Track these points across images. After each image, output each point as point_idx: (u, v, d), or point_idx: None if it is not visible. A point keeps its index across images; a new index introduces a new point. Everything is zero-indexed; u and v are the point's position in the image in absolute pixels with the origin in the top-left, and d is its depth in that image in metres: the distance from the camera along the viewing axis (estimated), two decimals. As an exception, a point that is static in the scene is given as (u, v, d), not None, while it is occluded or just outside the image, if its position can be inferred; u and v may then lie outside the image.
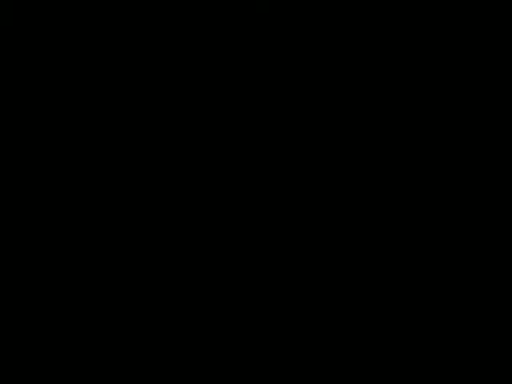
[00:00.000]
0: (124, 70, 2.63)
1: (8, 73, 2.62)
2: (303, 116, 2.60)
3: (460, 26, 2.59)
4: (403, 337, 2.49)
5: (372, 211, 2.55)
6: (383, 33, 2.60)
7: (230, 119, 2.61)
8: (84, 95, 2.62)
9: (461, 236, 2.52)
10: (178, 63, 2.64)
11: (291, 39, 2.63)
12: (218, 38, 2.64)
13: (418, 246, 2.52)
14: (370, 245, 2.53)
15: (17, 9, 2.63)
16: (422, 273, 2.51)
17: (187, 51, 2.64)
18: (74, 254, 2.56)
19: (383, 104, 2.59)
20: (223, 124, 2.61)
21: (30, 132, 2.60)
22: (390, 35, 2.60)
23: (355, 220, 2.55)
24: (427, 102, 2.58)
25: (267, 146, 2.60)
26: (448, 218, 2.53)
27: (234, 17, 2.64)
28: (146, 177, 2.59)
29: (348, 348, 2.49)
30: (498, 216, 2.51)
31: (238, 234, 2.56)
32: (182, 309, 2.54)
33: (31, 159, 2.59)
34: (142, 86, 2.63)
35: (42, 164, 2.59)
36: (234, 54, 2.63)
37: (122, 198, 2.59)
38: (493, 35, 2.58)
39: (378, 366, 2.47)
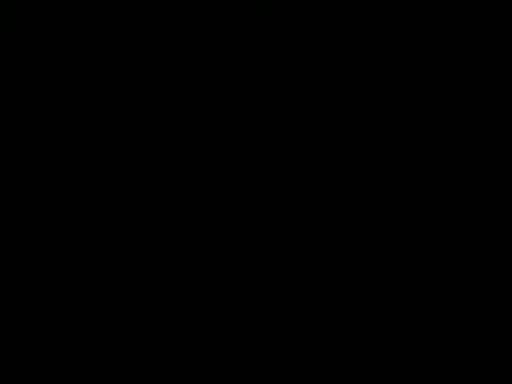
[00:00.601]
0: (124, 70, 2.63)
1: (8, 73, 2.62)
2: (303, 116, 2.60)
3: (460, 26, 2.59)
4: (403, 337, 2.49)
5: (372, 211, 2.55)
6: (383, 32, 2.60)
7: (230, 119, 2.61)
8: (84, 95, 2.62)
9: (461, 236, 2.52)
10: (178, 63, 2.64)
11: (291, 39, 2.63)
12: (218, 38, 2.64)
13: (418, 246, 2.52)
14: (370, 245, 2.53)
15: (17, 9, 2.63)
16: (422, 273, 2.51)
17: (187, 51, 2.64)
18: (74, 254, 2.56)
19: (383, 104, 2.59)
20: (223, 124, 2.61)
21: (30, 132, 2.61)
22: (390, 35, 2.60)
23: (355, 220, 2.55)
24: (427, 102, 2.58)
25: (267, 145, 2.60)
26: (448, 217, 2.53)
27: (234, 17, 2.64)
28: (146, 177, 2.59)
29: (348, 348, 2.49)
30: (498, 216, 2.52)
31: (238, 234, 2.56)
32: (182, 309, 2.54)
33: (31, 159, 2.59)
34: (143, 86, 2.63)
35: (42, 164, 2.59)
36: (234, 54, 2.63)
37: (122, 197, 2.59)
38: (493, 35, 2.58)
39: (378, 366, 2.48)
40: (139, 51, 2.64)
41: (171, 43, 2.64)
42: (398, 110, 2.58)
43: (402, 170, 2.56)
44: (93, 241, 2.56)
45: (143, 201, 2.59)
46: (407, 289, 2.51)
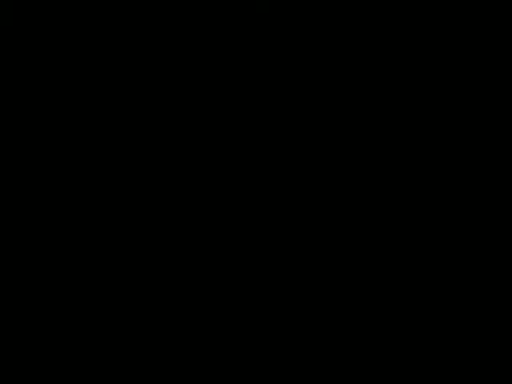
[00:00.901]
0: (124, 70, 2.63)
1: (8, 73, 2.62)
2: (303, 116, 2.60)
3: (460, 26, 2.59)
4: (403, 337, 2.49)
5: (372, 211, 2.55)
6: (383, 32, 2.60)
7: (230, 119, 2.61)
8: (84, 95, 2.62)
9: (461, 236, 2.52)
10: (178, 63, 2.64)
11: (291, 39, 2.63)
12: (218, 38, 2.64)
13: (418, 246, 2.52)
14: (370, 245, 2.53)
15: (17, 9, 2.64)
16: (422, 273, 2.51)
17: (187, 51, 2.64)
18: (74, 254, 2.56)
19: (383, 104, 2.59)
20: (223, 124, 2.61)
21: (30, 132, 2.61)
22: (390, 35, 2.60)
23: (355, 220, 2.55)
24: (427, 102, 2.58)
25: (267, 145, 2.60)
26: (448, 218, 2.53)
27: (234, 17, 2.64)
28: (146, 177, 2.60)
29: (348, 348, 2.49)
30: (498, 216, 2.52)
31: (238, 234, 2.56)
32: (182, 309, 2.54)
33: (31, 159, 2.59)
34: (142, 86, 2.63)
35: (42, 164, 2.59)
36: (234, 54, 2.63)
37: (122, 198, 2.59)
38: (493, 35, 2.58)
39: (378, 366, 2.48)
40: (139, 51, 2.64)
41: (171, 43, 2.64)
42: (398, 109, 2.59)
43: (402, 169, 2.56)
44: (93, 241, 2.57)
45: (143, 201, 2.59)
46: (407, 289, 2.51)
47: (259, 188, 2.58)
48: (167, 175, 2.60)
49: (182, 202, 2.59)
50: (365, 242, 2.54)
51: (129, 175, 2.59)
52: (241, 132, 2.60)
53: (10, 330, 2.51)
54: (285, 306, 2.53)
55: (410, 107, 2.58)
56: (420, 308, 2.50)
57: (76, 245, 2.56)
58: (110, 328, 2.53)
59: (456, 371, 2.46)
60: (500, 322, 2.47)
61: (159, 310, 2.54)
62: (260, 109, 2.61)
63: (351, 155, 2.58)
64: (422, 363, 2.47)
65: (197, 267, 2.56)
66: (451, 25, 2.60)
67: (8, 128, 2.60)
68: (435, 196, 2.54)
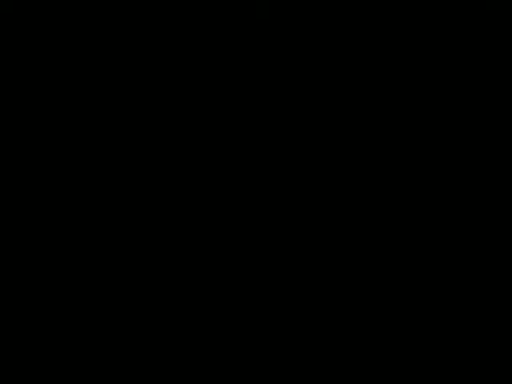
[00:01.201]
0: (124, 67, 2.59)
1: (7, 62, 2.51)
2: (303, 121, 2.63)
3: (460, 27, 2.69)
4: (403, 337, 2.54)
5: (372, 211, 2.59)
6: (383, 39, 2.66)
7: (230, 124, 2.62)
8: (84, 89, 2.56)
9: (461, 236, 2.59)
10: (178, 69, 2.62)
11: (291, 45, 2.66)
12: (219, 44, 2.64)
13: (418, 246, 2.58)
14: (370, 245, 2.58)
15: (16, -4, 2.55)
16: (422, 273, 2.57)
17: (187, 56, 2.63)
18: (74, 254, 2.49)
19: (382, 109, 2.64)
20: (224, 128, 2.61)
21: (30, 126, 2.52)
22: (390, 41, 2.66)
23: (355, 220, 2.59)
24: (427, 103, 2.65)
25: (268, 149, 2.61)
26: (448, 218, 2.60)
27: (234, 23, 2.65)
28: (146, 177, 2.56)
29: (348, 348, 2.52)
30: (498, 216, 2.61)
31: (237, 234, 2.56)
32: (182, 309, 2.51)
33: (31, 156, 2.50)
34: (142, 86, 2.59)
35: (41, 163, 2.51)
36: (235, 60, 2.64)
37: (122, 198, 2.54)
38: (493, 35, 2.69)
39: (378, 366, 2.52)
40: (139, 51, 2.60)
41: (172, 48, 2.62)
42: (397, 113, 2.64)
43: (402, 170, 2.62)
44: (93, 241, 2.50)
45: (143, 201, 2.55)
46: (407, 289, 2.56)
47: (259, 188, 2.59)
48: (167, 175, 2.57)
49: (181, 201, 2.56)
50: (365, 241, 2.58)
51: (128, 175, 2.55)
52: (241, 136, 2.61)
53: (10, 329, 2.41)
54: (285, 306, 2.54)
55: (409, 111, 2.64)
56: (420, 308, 2.55)
57: (76, 245, 2.49)
58: (110, 328, 2.47)
59: (456, 371, 2.53)
60: (500, 322, 2.55)
61: (159, 310, 2.50)
62: (260, 114, 2.63)
63: (350, 157, 2.62)
64: (422, 363, 2.53)
65: (197, 267, 2.54)
66: (451, 25, 2.68)
67: (7, 119, 2.50)
68: (435, 196, 2.61)
